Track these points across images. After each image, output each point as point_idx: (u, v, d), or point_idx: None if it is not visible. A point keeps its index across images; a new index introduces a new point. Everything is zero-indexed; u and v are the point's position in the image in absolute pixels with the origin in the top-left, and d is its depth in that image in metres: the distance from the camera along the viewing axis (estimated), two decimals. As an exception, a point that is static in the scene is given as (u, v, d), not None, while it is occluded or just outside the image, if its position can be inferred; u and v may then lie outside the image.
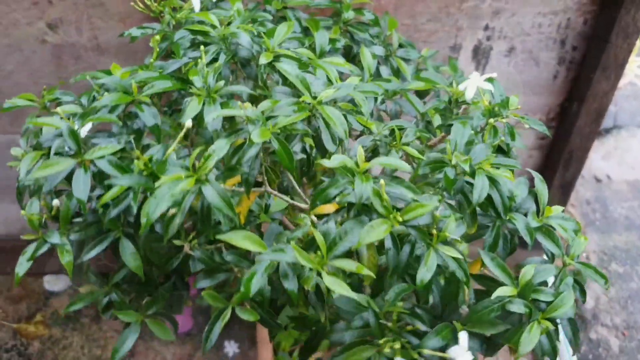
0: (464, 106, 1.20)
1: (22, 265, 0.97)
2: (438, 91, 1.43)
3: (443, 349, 0.87)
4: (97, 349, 2.08)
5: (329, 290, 0.84)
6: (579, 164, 2.01)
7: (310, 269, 0.79)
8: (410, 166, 0.85)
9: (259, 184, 1.00)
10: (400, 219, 0.80)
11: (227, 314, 0.92)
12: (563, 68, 1.88)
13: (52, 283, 2.20)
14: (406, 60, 1.36)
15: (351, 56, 1.33)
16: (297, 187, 1.08)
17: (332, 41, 1.24)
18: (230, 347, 2.10)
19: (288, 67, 0.95)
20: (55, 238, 0.96)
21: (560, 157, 2.02)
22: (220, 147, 0.83)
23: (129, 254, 0.94)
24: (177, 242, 0.96)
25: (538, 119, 2.04)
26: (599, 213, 2.45)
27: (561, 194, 2.10)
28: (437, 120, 1.24)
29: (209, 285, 0.97)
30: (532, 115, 1.99)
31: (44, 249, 0.96)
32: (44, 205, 0.98)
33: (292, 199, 1.13)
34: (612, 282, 2.25)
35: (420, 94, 1.40)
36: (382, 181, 0.80)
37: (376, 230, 0.78)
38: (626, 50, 1.73)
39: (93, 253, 0.96)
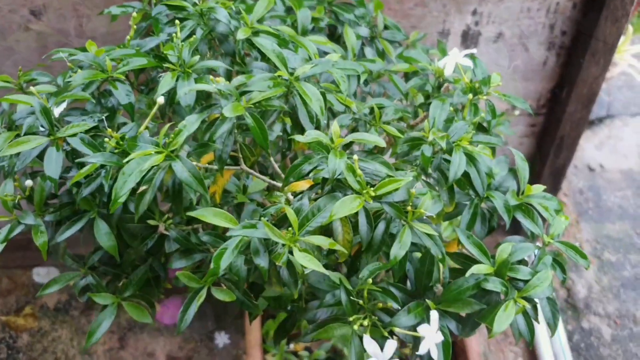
0: (446, 84, 1.18)
1: (-4, 248, 0.95)
2: (427, 74, 1.42)
3: (416, 327, 0.86)
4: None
5: (304, 268, 0.83)
6: (570, 151, 2.00)
7: (283, 245, 0.78)
8: (384, 142, 0.84)
9: (236, 162, 0.99)
10: (374, 194, 0.79)
11: (203, 295, 0.90)
12: (552, 53, 1.87)
13: (41, 275, 2.19)
14: (392, 43, 1.34)
15: (335, 37, 1.31)
16: (277, 168, 1.07)
17: (315, 20, 1.22)
18: (221, 339, 2.08)
19: (265, 42, 0.93)
20: (29, 219, 0.95)
21: (551, 144, 2.00)
22: (191, 122, 0.82)
23: (103, 234, 0.93)
24: (151, 222, 0.95)
25: (528, 106, 2.04)
26: (592, 202, 2.43)
27: (552, 181, 2.09)
28: (420, 101, 1.23)
29: (184, 266, 0.95)
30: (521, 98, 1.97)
31: (18, 230, 0.95)
32: (18, 187, 0.97)
33: (273, 179, 1.12)
34: (605, 271, 2.23)
35: (409, 78, 1.39)
36: (355, 156, 0.79)
37: (348, 206, 0.77)
38: (615, 34, 1.71)
39: (68, 234, 0.95)
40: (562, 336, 2.04)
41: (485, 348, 2.08)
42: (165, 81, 0.89)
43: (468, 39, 1.80)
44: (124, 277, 1.03)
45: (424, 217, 0.88)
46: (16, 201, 0.96)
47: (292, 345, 1.82)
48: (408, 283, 0.95)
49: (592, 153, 2.56)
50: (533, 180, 2.15)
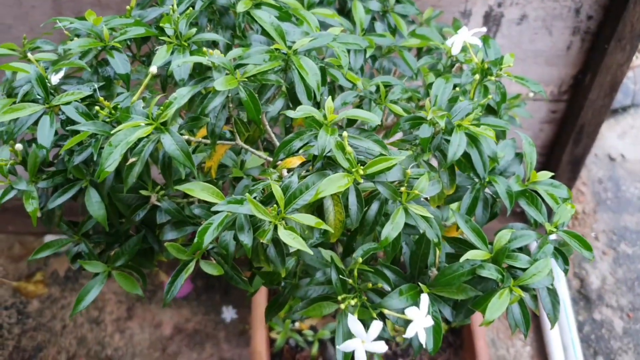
0: (458, 64, 1.15)
1: (-11, 211, 0.95)
2: (440, 52, 1.38)
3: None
4: (94, 310, 2.09)
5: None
6: (590, 140, 1.94)
7: (269, 223, 0.76)
8: (379, 119, 0.81)
9: (233, 137, 0.97)
10: (363, 173, 0.76)
11: (191, 267, 0.89)
12: (577, 38, 1.80)
13: (54, 242, 2.21)
14: (403, 17, 1.30)
15: (345, 11, 1.28)
16: (277, 143, 1.04)
17: (324, -8, 1.19)
18: (228, 313, 2.09)
19: (263, 15, 0.91)
20: (22, 185, 0.94)
21: (571, 131, 1.95)
22: (182, 95, 0.80)
23: (94, 202, 0.92)
24: (143, 192, 0.93)
25: (550, 92, 1.97)
26: (611, 192, 2.37)
27: (570, 170, 2.03)
28: (431, 79, 1.19)
29: (176, 238, 0.94)
30: (544, 87, 1.92)
31: (11, 195, 0.95)
32: (12, 151, 0.96)
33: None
34: (620, 263, 2.18)
35: (421, 55, 1.35)
36: (345, 133, 0.76)
37: (336, 183, 0.74)
38: (642, 20, 1.64)
39: (59, 201, 0.94)
40: (572, 327, 2.00)
41: (494, 335, 2.05)
42: (160, 54, 0.87)
43: (490, 20, 1.74)
44: (116, 247, 1.02)
45: (421, 199, 0.85)
46: (7, 166, 0.95)
47: (297, 324, 1.81)
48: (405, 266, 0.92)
49: (614, 142, 2.49)
50: (551, 167, 2.10)
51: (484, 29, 1.06)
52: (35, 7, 1.68)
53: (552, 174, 0.99)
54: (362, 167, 0.77)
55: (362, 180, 0.76)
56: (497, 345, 2.04)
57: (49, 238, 2.20)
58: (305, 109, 0.80)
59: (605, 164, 2.43)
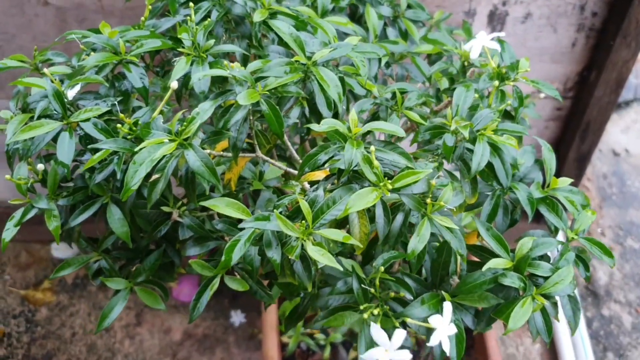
0: (472, 69, 1.14)
1: (9, 231, 0.95)
2: (451, 56, 1.37)
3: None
4: (103, 316, 2.08)
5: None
6: (596, 136, 1.94)
7: (296, 238, 0.75)
8: (405, 132, 0.81)
9: (252, 149, 0.96)
10: (391, 187, 0.76)
11: (216, 284, 0.89)
12: (582, 35, 1.80)
13: (60, 250, 2.20)
14: (415, 22, 1.30)
15: (357, 17, 1.27)
16: (294, 154, 1.04)
17: (335, 0, 1.18)
18: (237, 317, 2.09)
19: (282, 25, 0.90)
20: (42, 203, 0.94)
21: (577, 128, 1.95)
22: (205, 110, 0.79)
23: (116, 219, 0.92)
24: (165, 208, 0.93)
25: (555, 89, 1.98)
26: (616, 188, 2.37)
27: (576, 167, 2.04)
28: (445, 85, 1.19)
29: (198, 253, 0.94)
30: (549, 84, 1.92)
31: (32, 214, 0.94)
32: (32, 170, 0.95)
33: (291, 165, 1.10)
34: (627, 259, 2.18)
35: (433, 60, 1.34)
36: (372, 147, 0.76)
37: (365, 199, 0.74)
38: (649, 17, 1.64)
39: (80, 219, 0.94)
40: (581, 323, 2.01)
41: (503, 333, 2.06)
42: (180, 66, 0.87)
43: (495, 19, 1.74)
44: (137, 262, 1.02)
45: (445, 209, 0.85)
46: (29, 184, 0.95)
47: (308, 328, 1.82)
48: (423, 272, 0.92)
49: (618, 137, 2.50)
50: (557, 165, 2.10)
51: (503, 34, 1.05)
52: (38, 15, 1.67)
53: (572, 180, 0.99)
54: (389, 180, 0.76)
55: (389, 194, 0.76)
56: (506, 343, 2.04)
57: (55, 246, 2.19)
58: (329, 122, 0.80)
59: (609, 159, 2.43)
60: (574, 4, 1.72)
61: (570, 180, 0.98)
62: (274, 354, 1.75)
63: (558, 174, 0.99)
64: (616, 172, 2.41)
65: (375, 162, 0.76)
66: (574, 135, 1.96)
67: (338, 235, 0.75)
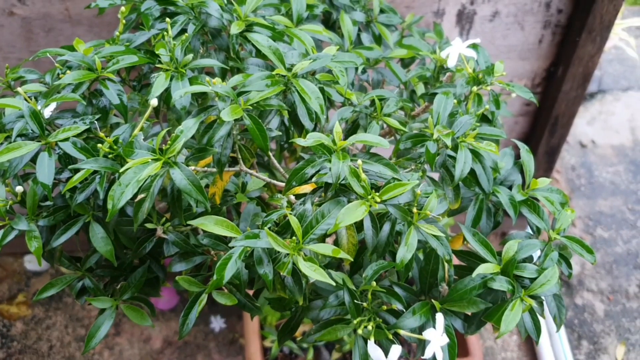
0: (448, 73, 1.16)
1: (-10, 253, 0.92)
2: (424, 59, 1.39)
3: (421, 328, 0.85)
4: (81, 329, 2.05)
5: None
6: (565, 130, 1.99)
7: (287, 254, 0.76)
8: (387, 142, 0.81)
9: (234, 162, 0.96)
10: (379, 200, 0.77)
11: (204, 300, 0.88)
12: (549, 32, 1.84)
13: (33, 263, 2.16)
14: (388, 27, 1.30)
15: (330, 23, 1.28)
16: (276, 163, 1.04)
17: (309, 7, 1.18)
18: (217, 323, 2.08)
19: (260, 38, 0.90)
20: (22, 224, 0.92)
21: (546, 123, 1.99)
22: (188, 128, 0.79)
23: (99, 238, 0.90)
24: (149, 225, 0.92)
25: (524, 85, 2.01)
26: (584, 179, 2.43)
27: (547, 160, 2.08)
28: (420, 89, 1.20)
29: (184, 269, 0.93)
30: (517, 80, 1.95)
31: (12, 236, 0.92)
32: (9, 191, 0.93)
33: (272, 173, 1.10)
34: (597, 248, 2.24)
35: (406, 63, 1.36)
36: (359, 161, 0.77)
37: (354, 213, 0.74)
38: (612, 12, 1.68)
39: (63, 239, 0.92)
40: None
41: (481, 326, 2.09)
42: (159, 82, 0.86)
43: (463, 18, 1.76)
44: (121, 279, 1.01)
45: (430, 217, 0.86)
46: (7, 207, 0.93)
47: (289, 330, 1.82)
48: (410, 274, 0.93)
49: (584, 129, 2.55)
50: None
51: (478, 40, 1.07)
52: (3, 26, 1.63)
53: (550, 179, 1.01)
54: (376, 192, 0.77)
55: (377, 206, 0.77)
56: (484, 336, 2.08)
57: (29, 258, 2.15)
58: (315, 136, 0.80)
59: (577, 151, 2.49)
60: (539, 2, 1.75)
61: (549, 181, 1.00)
62: (257, 358, 1.75)
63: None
64: (584, 163, 2.47)
65: (363, 175, 0.77)
66: (544, 130, 2.00)
67: (328, 249, 0.75)
